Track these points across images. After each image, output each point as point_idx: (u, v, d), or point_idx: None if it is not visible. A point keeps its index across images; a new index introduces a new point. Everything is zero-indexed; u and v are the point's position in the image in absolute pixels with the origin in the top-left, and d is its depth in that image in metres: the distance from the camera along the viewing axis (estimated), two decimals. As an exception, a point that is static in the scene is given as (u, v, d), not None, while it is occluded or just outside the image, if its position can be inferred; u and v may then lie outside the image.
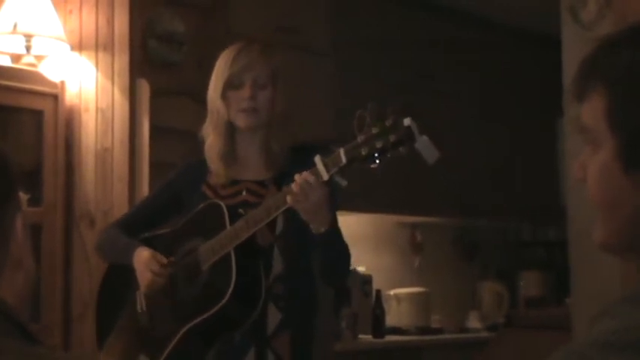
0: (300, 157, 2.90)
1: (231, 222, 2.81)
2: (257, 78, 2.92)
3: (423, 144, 2.52)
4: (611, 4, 3.57)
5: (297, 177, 2.64)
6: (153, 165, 4.24)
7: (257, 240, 2.83)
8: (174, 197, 3.09)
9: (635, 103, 1.15)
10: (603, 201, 1.19)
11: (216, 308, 2.75)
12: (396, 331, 5.92)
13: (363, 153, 2.55)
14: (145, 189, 4.21)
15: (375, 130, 2.54)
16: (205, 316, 2.78)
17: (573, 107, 1.24)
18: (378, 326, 5.72)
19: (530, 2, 5.91)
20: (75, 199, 4.41)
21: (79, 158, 4.42)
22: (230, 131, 2.97)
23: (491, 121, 6.52)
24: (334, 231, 2.77)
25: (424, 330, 6.03)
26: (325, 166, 2.61)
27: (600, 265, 3.33)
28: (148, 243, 3.02)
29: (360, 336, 5.58)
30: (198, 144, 3.06)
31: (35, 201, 4.22)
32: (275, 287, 2.87)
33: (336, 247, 2.82)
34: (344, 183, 2.63)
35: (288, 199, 2.65)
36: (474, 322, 6.50)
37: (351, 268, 5.74)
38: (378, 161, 2.55)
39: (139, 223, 3.14)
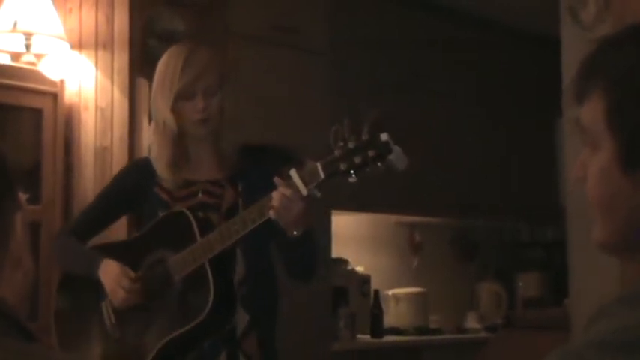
0: (254, 157, 2.92)
1: (200, 230, 2.79)
2: (207, 87, 2.89)
3: (396, 155, 2.55)
4: (610, 5, 3.57)
5: (275, 193, 2.63)
6: (152, 164, 4.24)
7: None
8: (125, 198, 3.05)
9: (635, 104, 1.15)
10: (602, 201, 1.19)
11: (195, 322, 2.74)
12: (394, 331, 5.92)
13: (342, 168, 2.56)
14: (143, 188, 4.21)
15: (351, 145, 2.55)
16: (183, 330, 2.76)
17: (572, 108, 1.24)
18: (377, 326, 5.72)
19: (528, 2, 5.91)
20: (74, 197, 4.41)
21: (78, 157, 4.42)
22: (179, 138, 2.93)
23: (489, 121, 6.52)
24: (309, 231, 2.75)
25: (422, 330, 6.03)
26: (302, 179, 2.61)
27: (599, 265, 3.32)
28: (109, 252, 2.97)
29: (359, 336, 5.58)
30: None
31: (34, 199, 4.22)
32: (240, 289, 2.86)
33: (308, 245, 2.81)
34: (318, 195, 2.64)
35: (271, 213, 2.64)
36: (472, 322, 6.51)
37: (349, 268, 5.81)
38: (355, 176, 2.57)
39: (92, 226, 3.09)
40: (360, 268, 5.94)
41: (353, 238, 6.14)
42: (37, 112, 4.34)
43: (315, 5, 5.14)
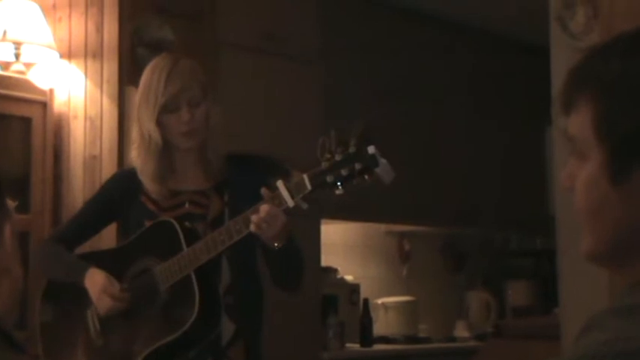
0: (240, 166, 2.93)
1: (186, 240, 2.79)
2: (191, 99, 2.89)
3: (383, 168, 2.56)
4: (598, 15, 3.58)
5: (261, 206, 2.63)
6: (141, 173, 4.23)
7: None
8: (111, 207, 3.05)
9: (623, 113, 1.15)
10: (589, 211, 1.19)
11: (180, 331, 2.73)
12: (383, 340, 5.92)
13: (329, 180, 2.57)
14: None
15: (338, 157, 2.56)
16: (168, 339, 2.76)
17: (561, 117, 1.24)
18: (366, 335, 5.71)
19: (518, 11, 5.92)
20: (63, 206, 4.40)
21: (67, 166, 4.41)
22: (164, 151, 2.93)
23: (478, 130, 6.53)
24: (290, 243, 2.75)
25: (412, 339, 6.03)
26: (289, 191, 2.61)
27: (588, 274, 3.32)
28: (96, 261, 2.97)
29: (348, 345, 5.57)
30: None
31: (23, 208, 4.21)
32: (226, 298, 2.86)
33: (291, 256, 2.82)
34: (305, 206, 2.64)
35: (252, 227, 2.64)
36: (461, 331, 6.50)
37: (338, 277, 5.80)
38: (341, 188, 2.57)
39: (77, 235, 3.09)
40: (349, 277, 5.93)
41: (342, 246, 6.14)
42: (26, 121, 4.33)
43: (304, 14, 5.14)
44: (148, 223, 2.92)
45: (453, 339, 6.41)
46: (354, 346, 5.63)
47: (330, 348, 5.34)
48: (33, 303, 4.22)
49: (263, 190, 2.65)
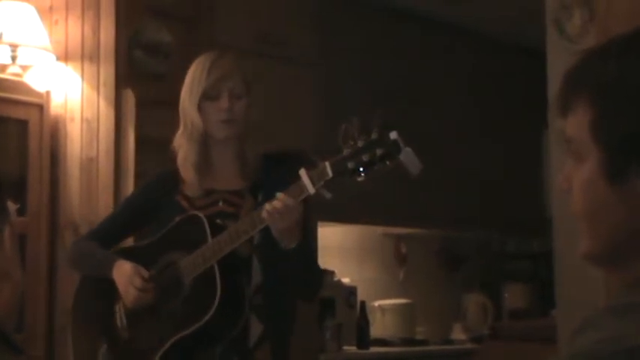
0: (275, 166, 2.92)
1: (212, 233, 2.79)
2: (233, 88, 2.92)
3: (408, 156, 2.53)
4: (595, 17, 3.59)
5: (278, 196, 2.63)
6: (138, 175, 4.23)
7: (238, 252, 2.81)
8: (147, 207, 3.06)
9: (620, 115, 1.15)
10: (587, 213, 1.19)
11: (200, 323, 2.73)
12: (380, 342, 5.91)
13: (350, 167, 2.55)
14: (130, 199, 4.20)
15: (360, 144, 2.54)
16: (188, 330, 2.75)
17: (558, 120, 1.24)
18: (363, 337, 5.71)
19: (516, 15, 5.93)
20: (60, 208, 4.39)
21: (64, 168, 4.41)
22: (205, 142, 2.95)
23: (476, 132, 6.53)
24: (302, 247, 2.75)
25: (409, 341, 6.03)
26: (311, 179, 2.60)
27: (585, 276, 3.33)
28: (125, 255, 2.98)
29: (345, 347, 5.57)
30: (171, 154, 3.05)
31: (20, 210, 4.21)
32: (255, 298, 2.85)
33: (304, 262, 2.81)
34: (328, 196, 2.63)
35: (264, 214, 2.65)
36: (458, 333, 6.51)
37: (335, 279, 5.80)
38: (364, 174, 2.55)
39: (111, 235, 3.11)
40: (346, 280, 5.93)
41: (339, 249, 6.13)
42: (23, 124, 4.33)
43: (301, 17, 5.14)
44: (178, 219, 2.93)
45: (450, 341, 6.41)
46: (351, 349, 5.63)
47: (327, 350, 5.34)
48: (30, 306, 4.23)
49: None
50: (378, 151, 2.52)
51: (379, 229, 6.34)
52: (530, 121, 6.32)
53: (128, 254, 3.00)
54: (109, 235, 3.11)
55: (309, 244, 2.84)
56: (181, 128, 2.99)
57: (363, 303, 5.87)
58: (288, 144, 4.63)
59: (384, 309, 6.11)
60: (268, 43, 4.91)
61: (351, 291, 5.89)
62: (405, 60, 6.15)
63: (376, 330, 5.96)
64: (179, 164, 2.99)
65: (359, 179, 2.57)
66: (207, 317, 2.71)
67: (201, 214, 2.85)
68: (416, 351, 5.93)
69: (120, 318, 2.98)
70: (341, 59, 5.69)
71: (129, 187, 4.22)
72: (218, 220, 2.87)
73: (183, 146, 2.98)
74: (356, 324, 5.74)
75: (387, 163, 2.54)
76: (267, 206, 2.64)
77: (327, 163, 2.58)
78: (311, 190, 2.60)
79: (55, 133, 4.42)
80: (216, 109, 2.91)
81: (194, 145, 2.95)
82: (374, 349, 5.76)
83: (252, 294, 2.85)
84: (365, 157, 2.53)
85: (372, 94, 5.86)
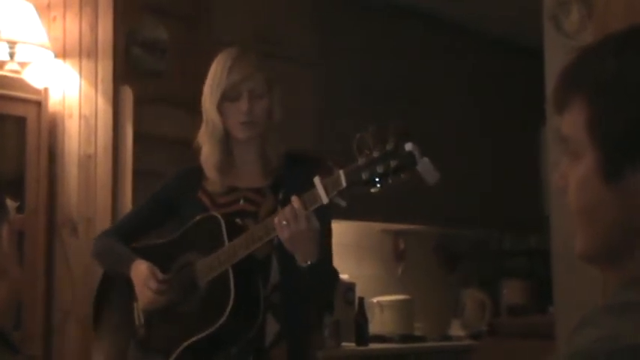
0: (297, 165, 2.89)
1: (229, 235, 2.77)
2: (253, 89, 2.88)
3: (425, 166, 2.47)
4: (593, 14, 3.59)
5: (292, 200, 2.59)
6: (136, 172, 4.23)
7: (254, 253, 2.76)
8: (169, 203, 3.04)
9: (616, 113, 1.15)
10: (583, 211, 1.19)
11: (215, 327, 2.71)
12: (379, 338, 5.92)
13: (364, 177, 2.50)
14: (127, 196, 4.20)
15: (376, 154, 2.48)
16: (204, 334, 2.74)
17: (555, 117, 1.24)
18: (361, 334, 5.72)
19: (514, 12, 5.93)
20: (57, 206, 4.39)
21: (61, 165, 4.41)
22: (226, 140, 2.92)
23: (474, 130, 6.54)
24: (319, 265, 2.69)
25: (407, 338, 6.04)
26: (325, 188, 2.56)
27: (583, 273, 3.33)
28: (143, 253, 2.97)
29: (343, 344, 5.57)
30: (189, 151, 3.03)
31: (18, 208, 4.20)
32: (273, 297, 2.82)
33: (319, 279, 2.75)
34: (343, 204, 2.58)
35: (275, 220, 2.61)
36: (456, 330, 6.51)
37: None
38: (378, 186, 2.50)
39: (134, 230, 3.10)
40: (344, 276, 5.92)
41: (337, 245, 6.04)
42: (21, 121, 4.33)
43: (301, 16, 5.14)
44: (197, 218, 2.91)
45: (448, 338, 6.42)
46: (349, 345, 5.64)
47: (326, 347, 5.34)
48: (26, 305, 4.23)
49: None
50: (392, 163, 2.46)
51: (377, 226, 6.34)
52: (529, 119, 6.32)
53: (147, 252, 2.99)
54: (131, 230, 3.10)
55: (325, 264, 2.77)
56: (204, 126, 2.95)
57: (361, 299, 5.88)
58: (288, 143, 4.63)
59: (382, 305, 6.11)
60: (267, 42, 4.90)
61: (350, 287, 5.89)
62: (405, 60, 6.15)
63: (375, 326, 5.97)
64: (202, 161, 2.97)
65: (373, 190, 2.52)
66: (220, 322, 2.70)
67: (219, 215, 2.83)
68: (414, 347, 5.93)
69: (138, 316, 2.98)
70: (341, 59, 5.69)
71: (127, 184, 4.22)
72: (237, 220, 2.85)
73: (205, 144, 2.95)
74: (354, 320, 5.74)
75: (402, 176, 2.48)
76: (280, 213, 2.61)
77: (341, 172, 2.53)
78: (325, 199, 2.56)
79: (53, 129, 4.42)
80: (236, 110, 2.87)
81: (216, 144, 2.92)
82: (372, 346, 5.76)
83: (269, 293, 2.82)
84: (379, 169, 2.47)
85: (372, 94, 5.86)
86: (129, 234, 3.09)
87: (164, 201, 3.07)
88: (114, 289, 3.11)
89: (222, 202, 2.93)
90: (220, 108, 2.88)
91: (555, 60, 3.71)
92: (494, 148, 6.66)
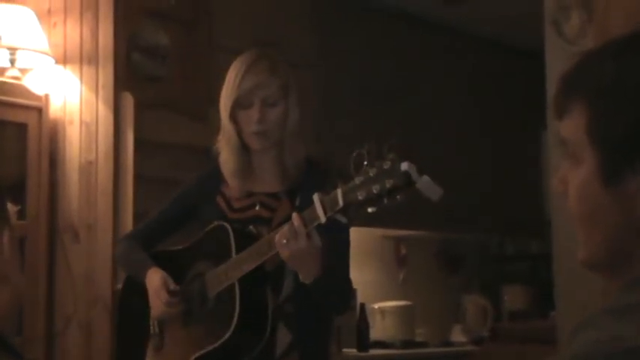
0: (315, 171, 2.87)
1: (237, 245, 2.74)
2: (266, 97, 2.82)
3: (425, 184, 2.41)
4: (593, 18, 3.59)
5: (293, 217, 2.55)
6: (137, 178, 4.23)
7: (265, 265, 2.72)
8: (190, 207, 3.01)
9: (617, 118, 1.15)
10: (583, 216, 1.19)
11: (221, 341, 2.70)
12: (380, 344, 5.91)
13: (360, 197, 2.44)
14: (129, 202, 4.20)
15: (372, 173, 2.42)
16: (211, 347, 2.72)
17: (556, 121, 1.24)
18: (363, 340, 5.71)
19: (515, 16, 5.93)
20: (59, 212, 4.39)
21: (63, 171, 4.41)
22: (242, 148, 2.88)
23: (475, 133, 6.54)
24: (324, 280, 2.67)
25: (408, 344, 6.03)
26: (323, 206, 2.51)
27: (584, 278, 3.33)
28: (161, 259, 2.96)
29: (345, 349, 5.57)
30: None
31: (19, 213, 4.21)
32: (286, 307, 2.79)
33: (326, 293, 2.74)
34: (344, 220, 2.55)
35: (276, 238, 2.57)
36: (458, 335, 6.51)
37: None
38: (375, 206, 2.45)
39: (154, 234, 3.08)
40: (345, 282, 5.92)
41: (339, 251, 6.12)
42: (22, 127, 4.33)
43: (301, 17, 5.14)
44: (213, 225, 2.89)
45: (450, 343, 6.41)
46: (350, 351, 5.63)
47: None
48: (28, 310, 4.22)
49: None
50: (388, 183, 2.40)
51: (379, 231, 6.34)
52: (530, 122, 6.32)
53: (164, 259, 2.97)
54: (153, 234, 3.08)
55: (332, 278, 2.74)
56: (221, 132, 2.92)
57: (362, 305, 5.87)
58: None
59: (383, 311, 6.10)
60: (267, 44, 4.90)
61: (351, 293, 5.88)
62: (405, 60, 6.15)
63: (376, 332, 5.96)
64: (221, 165, 2.94)
65: (370, 210, 2.47)
66: (225, 337, 2.68)
67: (227, 225, 2.80)
68: (416, 353, 5.93)
69: (153, 324, 2.98)
70: (340, 60, 5.69)
71: (128, 190, 4.22)
72: (251, 227, 2.83)
73: (223, 150, 2.91)
74: (356, 326, 5.74)
75: (397, 197, 2.43)
76: (280, 231, 2.57)
77: (339, 192, 2.47)
78: (322, 218, 2.51)
79: (54, 136, 4.42)
80: (248, 118, 2.82)
81: (232, 151, 2.88)
82: (374, 352, 5.76)
83: (282, 303, 2.79)
84: (375, 189, 2.41)
85: (372, 95, 5.86)
86: (150, 237, 3.08)
87: (185, 205, 3.04)
88: (133, 295, 3.08)
89: (239, 207, 2.91)
90: (234, 115, 2.85)
91: (556, 64, 3.71)
92: (495, 151, 6.65)
